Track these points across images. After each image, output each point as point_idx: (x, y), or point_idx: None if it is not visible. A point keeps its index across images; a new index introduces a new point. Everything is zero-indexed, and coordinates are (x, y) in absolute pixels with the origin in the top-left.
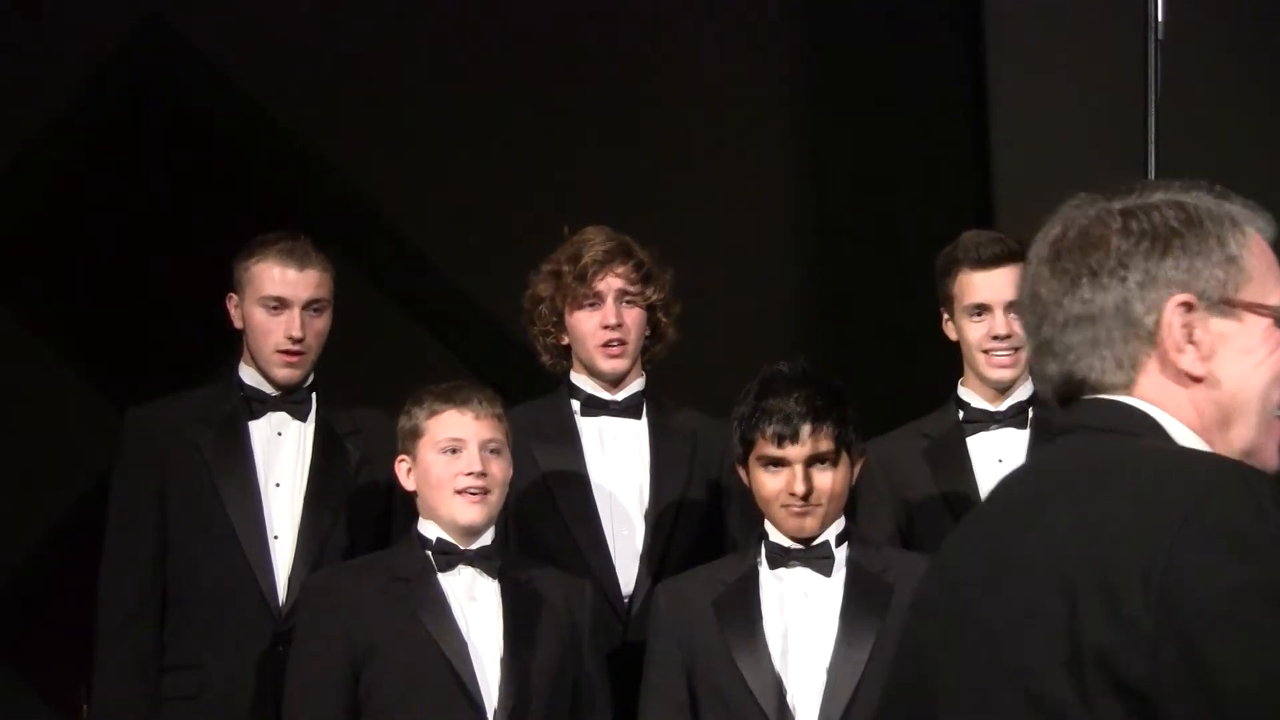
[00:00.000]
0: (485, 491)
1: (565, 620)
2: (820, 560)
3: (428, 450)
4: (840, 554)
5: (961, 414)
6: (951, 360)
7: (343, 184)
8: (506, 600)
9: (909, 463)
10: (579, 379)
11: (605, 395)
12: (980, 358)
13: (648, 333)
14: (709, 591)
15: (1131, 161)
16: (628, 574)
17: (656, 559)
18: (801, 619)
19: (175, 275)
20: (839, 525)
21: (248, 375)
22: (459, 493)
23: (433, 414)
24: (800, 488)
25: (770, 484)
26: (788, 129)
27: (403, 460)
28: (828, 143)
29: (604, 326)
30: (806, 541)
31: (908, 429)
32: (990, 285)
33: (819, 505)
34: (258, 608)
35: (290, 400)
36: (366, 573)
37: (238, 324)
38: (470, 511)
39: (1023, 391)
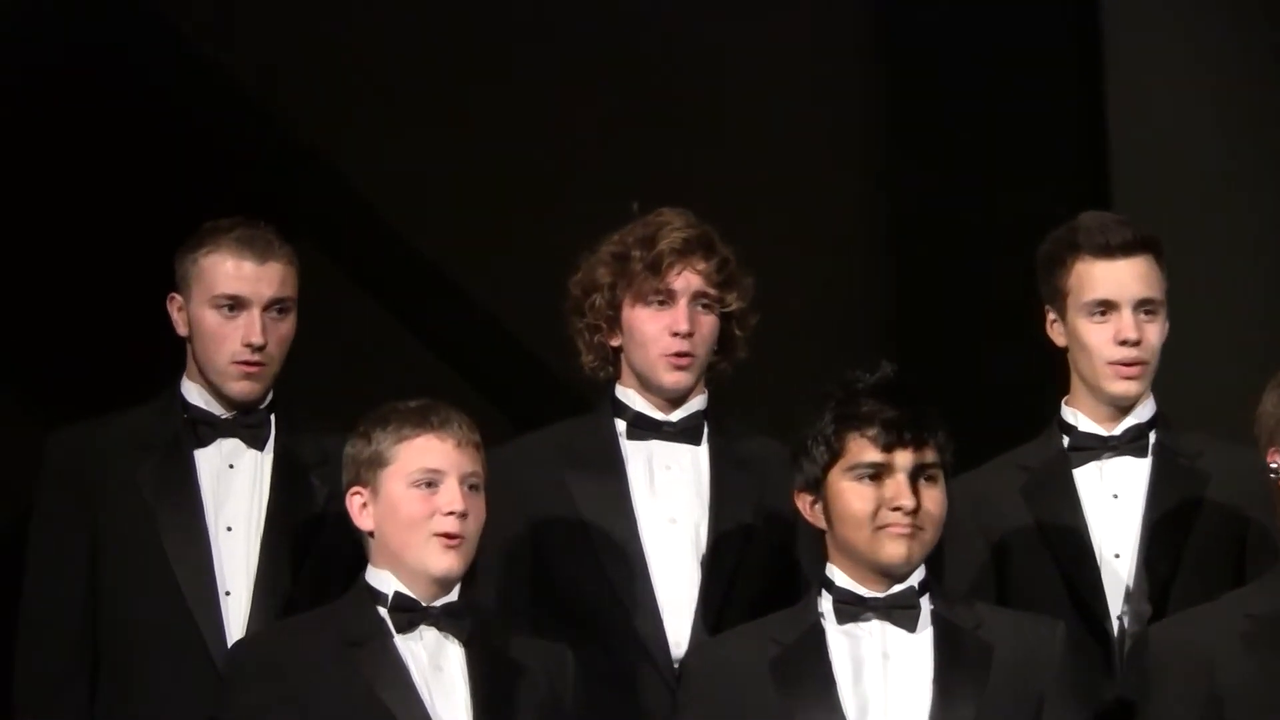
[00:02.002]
0: (462, 535)
1: (545, 695)
2: (903, 612)
3: (396, 482)
4: (924, 605)
5: (1067, 440)
6: (1053, 375)
7: (316, 161)
8: (475, 669)
9: (1003, 500)
10: (626, 393)
11: (657, 415)
12: (1102, 368)
13: (716, 346)
14: (763, 652)
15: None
16: (679, 632)
17: (714, 614)
18: (884, 685)
19: (108, 272)
20: (920, 572)
21: (193, 393)
22: (434, 535)
23: (403, 439)
24: (909, 500)
25: (866, 499)
26: (859, 96)
27: (357, 494)
28: (908, 115)
29: (673, 333)
30: (893, 579)
31: (1002, 461)
32: (1117, 278)
33: (922, 529)
34: (206, 678)
35: (244, 424)
36: (309, 635)
37: (182, 330)
38: (446, 559)
39: (1143, 412)
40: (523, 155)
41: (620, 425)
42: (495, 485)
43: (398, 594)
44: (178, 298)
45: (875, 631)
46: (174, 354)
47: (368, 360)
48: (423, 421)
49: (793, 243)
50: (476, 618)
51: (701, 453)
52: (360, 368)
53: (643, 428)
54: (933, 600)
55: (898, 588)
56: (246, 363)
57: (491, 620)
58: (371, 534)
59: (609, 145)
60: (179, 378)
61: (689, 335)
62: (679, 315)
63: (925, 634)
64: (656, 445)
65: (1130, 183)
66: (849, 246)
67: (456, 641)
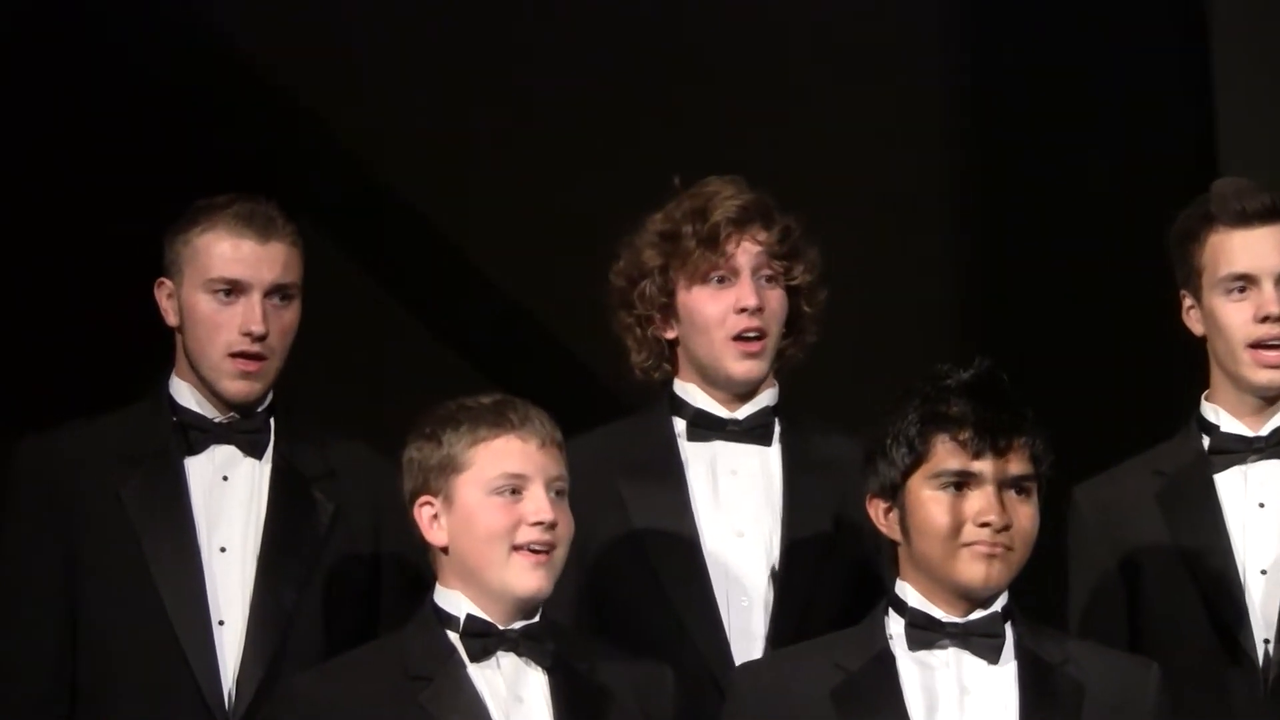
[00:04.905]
0: (551, 548)
1: None
2: (984, 640)
3: (473, 490)
4: (1007, 634)
5: (1207, 441)
6: (1190, 366)
7: (321, 134)
8: (560, 698)
9: (1136, 509)
10: (685, 388)
11: (722, 412)
12: (1241, 353)
13: (784, 328)
14: (823, 679)
15: None
16: (748, 658)
17: (788, 639)
18: None
19: (87, 256)
20: (1004, 597)
21: (183, 393)
22: (518, 549)
23: (479, 440)
24: (997, 516)
25: (950, 511)
26: (939, 58)
27: (427, 504)
28: (993, 77)
29: (740, 309)
30: (973, 602)
31: (1134, 464)
32: (1256, 248)
33: (1010, 549)
34: (197, 716)
35: (241, 429)
36: (368, 670)
37: (171, 320)
38: (533, 577)
39: None
40: (560, 129)
41: (679, 425)
42: None
43: (470, 617)
44: (167, 283)
45: (952, 661)
46: (162, 348)
47: (380, 358)
48: (500, 420)
49: (862, 222)
50: (561, 640)
51: (772, 454)
52: (372, 367)
53: (705, 427)
54: (1016, 629)
55: (979, 613)
56: (244, 355)
57: (575, 638)
58: (445, 549)
59: (653, 116)
60: (167, 376)
61: (758, 310)
62: (744, 289)
63: (1008, 667)
64: (720, 447)
65: (1241, 149)
66: (926, 225)
67: (539, 668)
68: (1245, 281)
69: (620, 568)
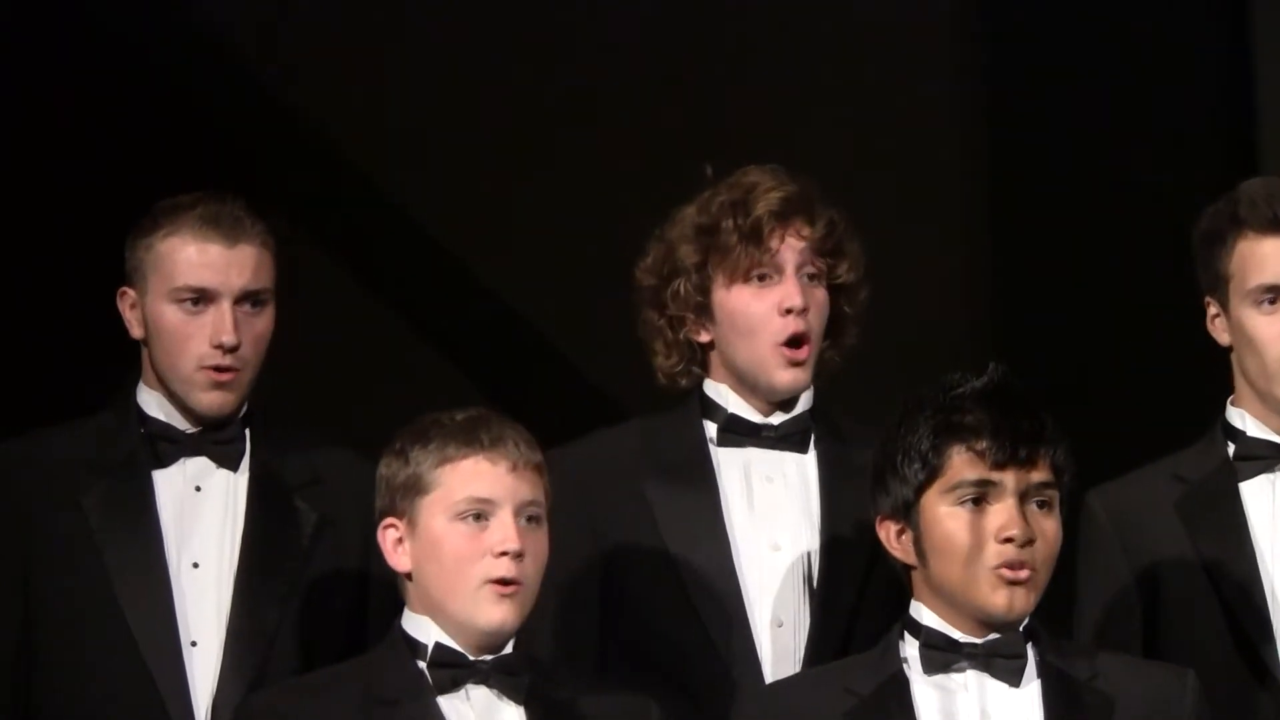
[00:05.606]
0: (519, 581)
1: None
2: (1004, 661)
3: (437, 514)
4: (1029, 653)
5: (1233, 448)
6: (1214, 368)
7: (301, 125)
8: None
9: (1154, 517)
10: (718, 390)
11: (756, 418)
12: (1276, 370)
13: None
14: (834, 705)
15: None
16: None
17: (827, 661)
18: None
19: (46, 259)
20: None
21: (151, 404)
22: (489, 582)
23: (446, 461)
24: (1020, 529)
25: (971, 528)
26: (958, 41)
27: (391, 526)
28: (1019, 65)
29: (785, 309)
30: (995, 628)
31: (1154, 470)
32: None
33: (1035, 571)
34: None
35: (214, 440)
36: (333, 692)
37: (136, 331)
38: (499, 610)
39: None
40: (556, 129)
41: (710, 428)
42: (555, 496)
43: (439, 646)
44: (130, 293)
45: (972, 685)
46: (129, 354)
47: (366, 363)
48: (470, 439)
49: (877, 223)
50: (536, 672)
51: (809, 461)
52: (358, 371)
53: (737, 432)
54: (1038, 648)
55: (998, 634)
56: (216, 368)
57: (554, 672)
58: (409, 576)
59: (654, 117)
60: (134, 386)
61: (804, 311)
62: (790, 289)
63: (1031, 688)
64: (755, 454)
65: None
66: (942, 226)
67: (513, 702)
68: (1276, 293)
69: (645, 581)
